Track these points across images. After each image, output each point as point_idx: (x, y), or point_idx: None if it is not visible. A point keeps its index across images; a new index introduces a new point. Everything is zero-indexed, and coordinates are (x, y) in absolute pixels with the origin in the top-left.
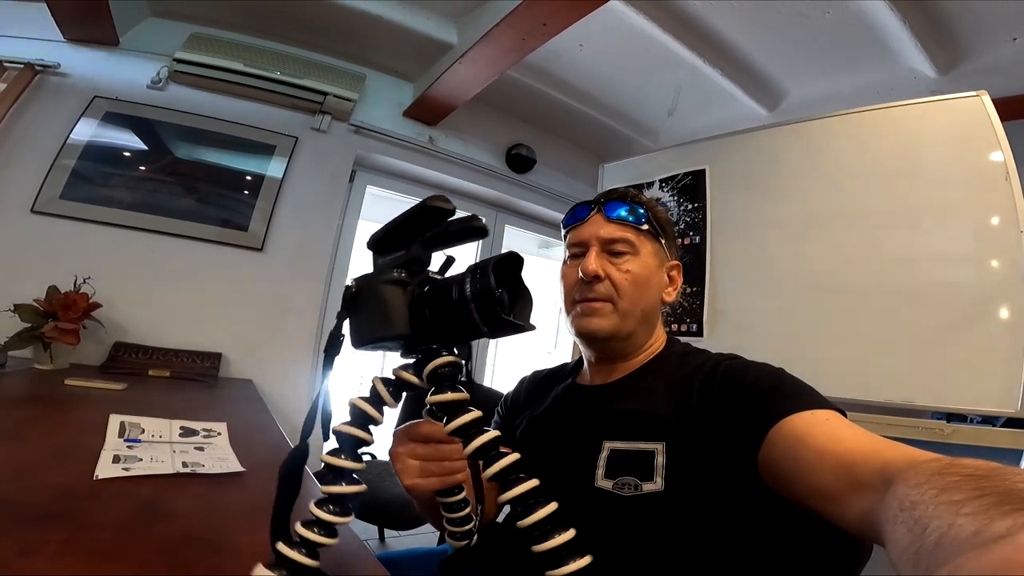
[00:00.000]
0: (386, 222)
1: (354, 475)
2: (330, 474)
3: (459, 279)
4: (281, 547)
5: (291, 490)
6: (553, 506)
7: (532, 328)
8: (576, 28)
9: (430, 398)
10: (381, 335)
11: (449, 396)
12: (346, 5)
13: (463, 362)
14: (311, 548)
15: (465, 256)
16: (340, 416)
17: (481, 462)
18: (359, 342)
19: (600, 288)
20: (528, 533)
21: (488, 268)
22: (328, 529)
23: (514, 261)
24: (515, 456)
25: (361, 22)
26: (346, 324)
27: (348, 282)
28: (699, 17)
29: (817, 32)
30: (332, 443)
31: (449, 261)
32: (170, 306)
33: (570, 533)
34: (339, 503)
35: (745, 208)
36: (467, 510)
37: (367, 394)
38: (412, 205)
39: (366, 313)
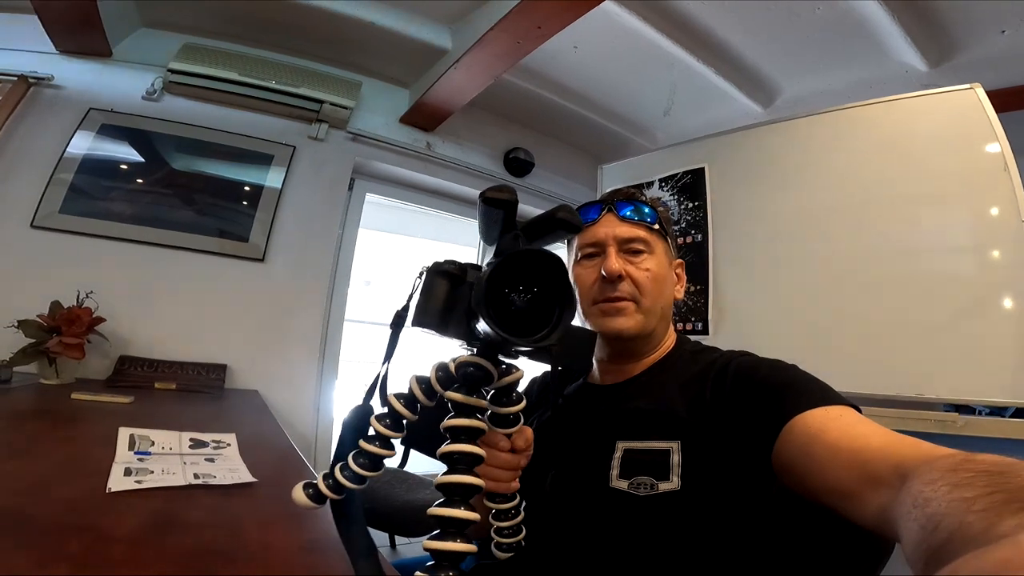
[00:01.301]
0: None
1: (391, 441)
2: (374, 435)
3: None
4: (318, 478)
5: (353, 441)
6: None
7: (529, 347)
8: (570, 30)
9: (448, 393)
10: (416, 321)
11: (458, 396)
12: (339, 12)
13: (493, 370)
14: (337, 485)
15: None
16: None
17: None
18: (411, 322)
19: (623, 287)
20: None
21: (483, 280)
22: (356, 477)
23: (550, 262)
24: (477, 481)
25: (354, 29)
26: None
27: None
28: (691, 16)
29: (808, 29)
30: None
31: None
32: (174, 319)
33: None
34: (369, 457)
35: (745, 205)
36: (518, 519)
37: (427, 374)
38: None
39: (418, 298)
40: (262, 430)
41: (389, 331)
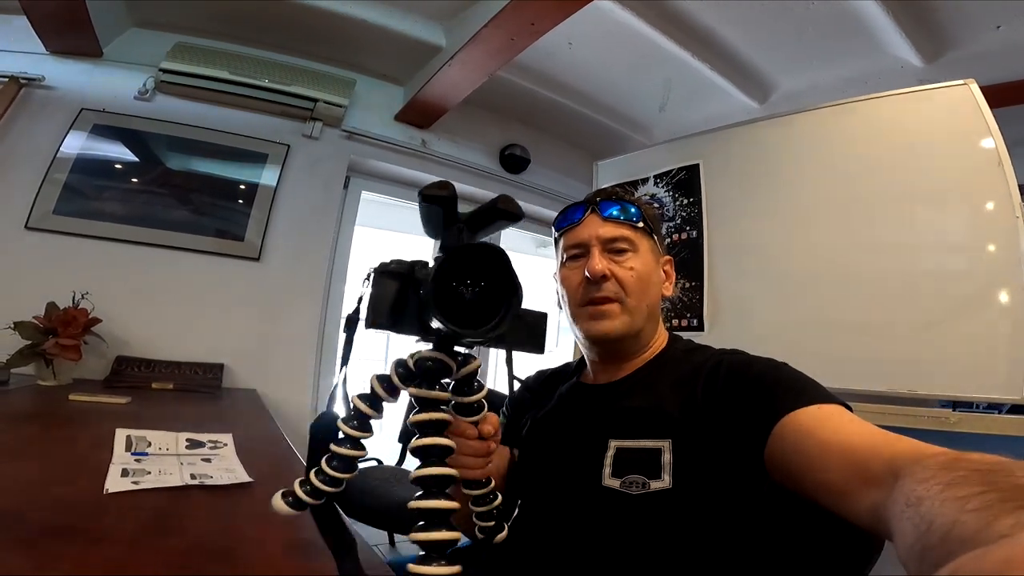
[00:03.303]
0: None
1: (361, 442)
2: (341, 436)
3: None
4: (295, 485)
5: (321, 447)
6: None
7: (480, 339)
8: (564, 26)
9: (410, 389)
10: (370, 323)
11: (419, 392)
12: (331, 10)
13: (451, 362)
14: (315, 491)
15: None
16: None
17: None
18: (365, 324)
19: (608, 287)
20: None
21: (430, 275)
22: (332, 481)
23: (492, 254)
24: (451, 471)
25: (348, 27)
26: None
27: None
28: (686, 12)
29: (802, 24)
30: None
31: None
32: (170, 318)
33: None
34: (341, 459)
35: (740, 201)
36: (496, 502)
37: (386, 372)
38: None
39: (369, 299)
40: (259, 429)
41: (343, 335)
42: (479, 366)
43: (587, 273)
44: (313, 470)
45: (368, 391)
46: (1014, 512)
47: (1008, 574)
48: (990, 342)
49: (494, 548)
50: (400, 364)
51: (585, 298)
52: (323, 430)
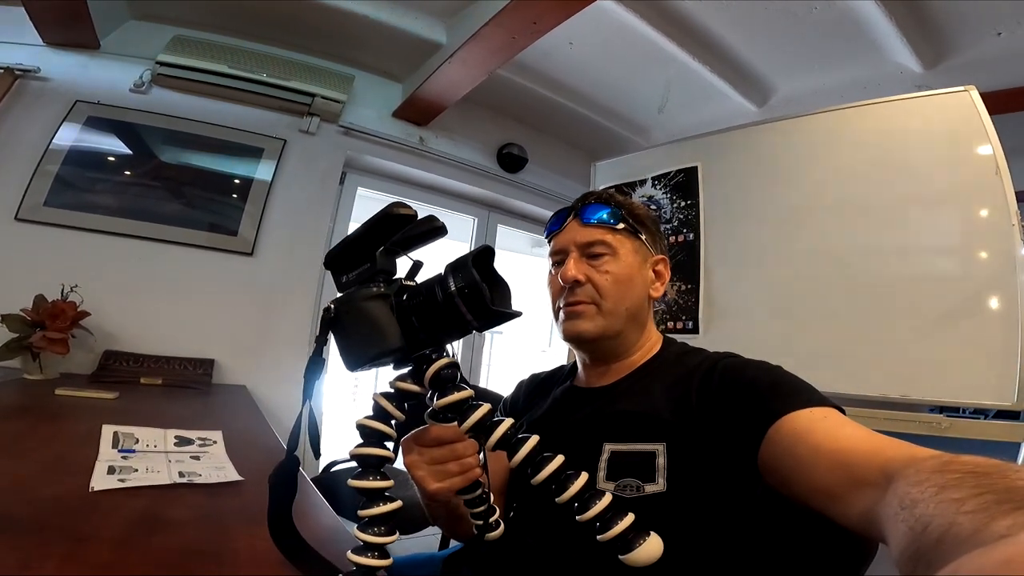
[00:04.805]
0: (341, 239)
1: (387, 493)
2: (363, 498)
3: (439, 279)
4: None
5: (285, 496)
6: (585, 476)
7: (518, 314)
8: (566, 26)
9: (438, 402)
10: (377, 353)
11: (457, 396)
12: (332, 5)
13: (458, 361)
14: (370, 572)
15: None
16: (332, 433)
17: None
18: (354, 364)
19: (582, 292)
20: (591, 524)
21: (468, 263)
22: (380, 551)
23: (487, 254)
24: (536, 438)
25: (348, 22)
26: (330, 348)
27: (326, 305)
28: (688, 14)
29: (804, 28)
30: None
31: (418, 265)
32: (161, 313)
33: (629, 517)
34: (382, 523)
35: (737, 204)
36: (489, 501)
37: (371, 413)
38: (370, 216)
39: (355, 334)
40: (249, 426)
41: (303, 380)
42: (448, 363)
43: (560, 279)
44: (351, 552)
45: (370, 437)
46: (1011, 513)
47: (1008, 574)
48: (982, 348)
49: (491, 548)
50: (390, 396)
51: (563, 303)
52: (282, 483)
